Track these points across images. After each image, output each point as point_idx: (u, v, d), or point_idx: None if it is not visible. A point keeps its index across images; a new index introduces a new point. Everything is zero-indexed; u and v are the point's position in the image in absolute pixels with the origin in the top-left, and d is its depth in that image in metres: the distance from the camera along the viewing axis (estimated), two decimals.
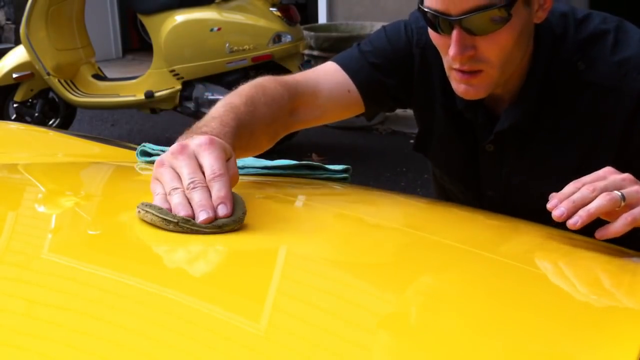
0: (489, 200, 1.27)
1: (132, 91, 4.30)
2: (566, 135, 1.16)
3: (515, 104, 1.17)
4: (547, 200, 0.93)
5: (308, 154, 4.31)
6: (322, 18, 6.16)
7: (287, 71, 3.89)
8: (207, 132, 0.92)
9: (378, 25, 1.25)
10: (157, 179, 0.83)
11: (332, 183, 1.12)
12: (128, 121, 5.29)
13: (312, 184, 1.10)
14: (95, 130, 5.02)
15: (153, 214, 0.76)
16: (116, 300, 0.62)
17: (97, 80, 4.45)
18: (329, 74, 1.25)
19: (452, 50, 1.06)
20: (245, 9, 4.15)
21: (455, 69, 1.10)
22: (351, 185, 1.16)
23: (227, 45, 4.09)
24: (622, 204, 0.88)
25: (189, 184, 0.80)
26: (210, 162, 0.82)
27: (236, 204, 0.79)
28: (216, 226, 0.76)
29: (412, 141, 1.39)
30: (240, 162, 1.09)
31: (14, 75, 4.32)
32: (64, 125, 4.49)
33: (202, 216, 0.76)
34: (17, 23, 5.62)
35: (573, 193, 0.89)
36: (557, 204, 0.89)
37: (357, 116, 1.31)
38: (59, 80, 4.27)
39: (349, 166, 1.15)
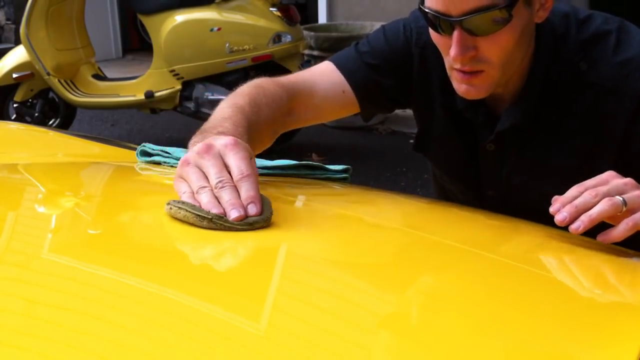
0: (489, 200, 1.27)
1: (132, 91, 4.30)
2: (567, 135, 1.16)
3: (516, 103, 1.17)
4: (547, 200, 0.93)
5: (308, 154, 4.31)
6: (322, 18, 6.16)
7: (287, 71, 3.88)
8: (224, 133, 0.93)
9: (378, 25, 1.25)
10: (183, 178, 0.85)
11: (332, 183, 1.12)
12: (128, 121, 5.29)
13: (312, 184, 1.10)
14: (95, 130, 5.02)
15: (187, 211, 0.77)
16: (117, 300, 0.62)
17: (97, 80, 4.45)
18: (324, 74, 1.25)
19: (453, 51, 1.06)
20: (245, 9, 4.15)
21: (456, 69, 1.10)
22: (351, 185, 1.16)
23: (227, 45, 4.09)
24: (624, 208, 0.89)
25: (217, 183, 0.81)
26: (237, 162, 0.84)
27: (264, 203, 0.81)
28: (247, 223, 0.78)
29: (412, 141, 1.39)
30: None
31: (14, 75, 4.32)
32: (64, 125, 4.49)
33: (233, 214, 0.78)
34: (17, 23, 5.62)
35: (575, 197, 0.90)
36: (560, 208, 0.89)
37: (356, 115, 1.32)
38: (59, 80, 4.27)
39: (349, 166, 1.14)
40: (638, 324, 0.69)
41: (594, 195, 0.89)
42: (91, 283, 0.65)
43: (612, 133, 1.13)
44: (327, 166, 1.14)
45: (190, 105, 4.21)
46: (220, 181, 0.82)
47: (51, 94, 4.46)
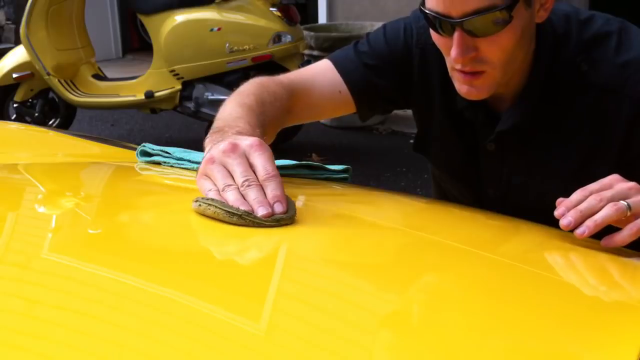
0: (489, 199, 1.27)
1: (132, 91, 4.30)
2: (567, 135, 1.16)
3: (517, 103, 1.17)
4: (547, 200, 0.93)
5: (308, 154, 4.31)
6: (322, 18, 6.16)
7: (287, 71, 3.86)
8: (242, 132, 0.96)
9: (378, 26, 1.25)
10: (207, 176, 0.87)
11: (332, 183, 1.12)
12: (128, 121, 5.29)
13: (312, 184, 1.10)
14: (95, 130, 5.02)
15: (217, 207, 0.80)
16: (117, 301, 0.62)
17: (97, 80, 4.44)
18: (322, 73, 1.26)
19: (453, 52, 1.06)
20: (245, 9, 4.15)
21: (457, 70, 1.10)
22: (351, 185, 1.16)
23: (227, 45, 4.09)
24: (628, 213, 0.89)
25: (243, 181, 0.84)
26: (262, 162, 0.86)
27: (288, 202, 0.84)
28: (274, 220, 0.81)
29: (412, 141, 1.39)
30: None
31: (14, 75, 4.31)
32: (64, 125, 4.49)
33: (261, 211, 0.80)
34: (17, 23, 5.61)
35: (580, 201, 0.90)
36: (565, 212, 0.90)
37: (355, 114, 1.32)
38: (59, 80, 4.27)
39: (349, 166, 1.14)
40: (638, 324, 0.69)
41: (598, 200, 0.90)
42: (91, 283, 0.65)
43: (613, 134, 1.13)
44: (327, 166, 1.14)
45: (190, 105, 4.21)
46: (246, 179, 0.84)
47: (51, 94, 4.45)
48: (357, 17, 5.80)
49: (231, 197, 0.82)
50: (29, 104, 4.44)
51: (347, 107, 1.28)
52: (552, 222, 0.92)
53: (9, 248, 0.75)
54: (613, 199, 0.90)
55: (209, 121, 4.22)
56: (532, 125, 1.18)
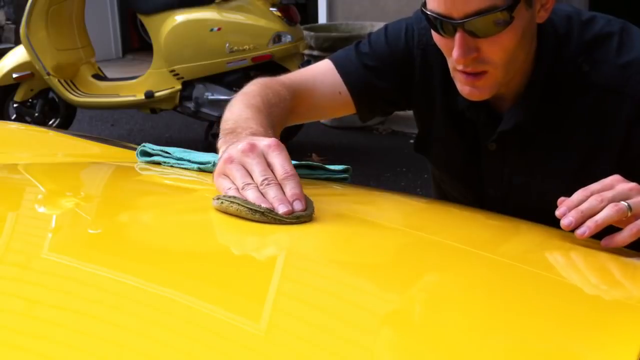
0: (490, 199, 1.27)
1: (132, 91, 4.30)
2: (569, 135, 1.16)
3: (519, 103, 1.17)
4: (548, 200, 0.93)
5: (308, 154, 4.31)
6: (322, 18, 6.16)
7: (287, 71, 3.87)
8: (255, 134, 0.98)
9: (378, 26, 1.25)
10: (226, 175, 0.88)
11: (332, 183, 1.12)
12: (128, 121, 5.29)
13: (312, 184, 1.10)
14: (95, 130, 5.02)
15: (239, 204, 0.81)
16: (117, 301, 0.62)
17: (97, 80, 4.44)
18: (322, 73, 1.27)
19: (455, 53, 1.06)
20: (245, 9, 4.15)
21: (459, 71, 1.10)
22: (351, 185, 1.16)
23: (227, 45, 4.09)
24: (629, 214, 0.90)
25: (262, 180, 0.86)
26: (280, 162, 0.88)
27: (307, 201, 0.86)
28: (294, 217, 0.82)
29: (412, 141, 1.39)
30: None
31: (14, 75, 4.31)
32: (64, 125, 4.49)
33: (281, 209, 0.82)
34: (17, 23, 5.61)
35: (581, 202, 0.91)
36: (566, 212, 0.90)
37: (356, 115, 1.32)
38: (59, 80, 4.27)
39: (349, 166, 1.14)
40: (638, 324, 0.69)
41: (599, 200, 0.90)
42: (91, 283, 0.65)
43: (614, 134, 1.13)
44: (327, 166, 1.14)
45: (190, 105, 4.21)
46: (265, 178, 0.86)
47: (51, 94, 4.45)
48: (357, 17, 5.80)
49: (251, 195, 0.83)
50: (29, 104, 4.44)
51: (347, 108, 1.28)
52: (553, 222, 0.92)
53: (9, 248, 0.75)
54: (614, 200, 0.90)
55: (209, 121, 4.23)
56: (533, 125, 1.18)
